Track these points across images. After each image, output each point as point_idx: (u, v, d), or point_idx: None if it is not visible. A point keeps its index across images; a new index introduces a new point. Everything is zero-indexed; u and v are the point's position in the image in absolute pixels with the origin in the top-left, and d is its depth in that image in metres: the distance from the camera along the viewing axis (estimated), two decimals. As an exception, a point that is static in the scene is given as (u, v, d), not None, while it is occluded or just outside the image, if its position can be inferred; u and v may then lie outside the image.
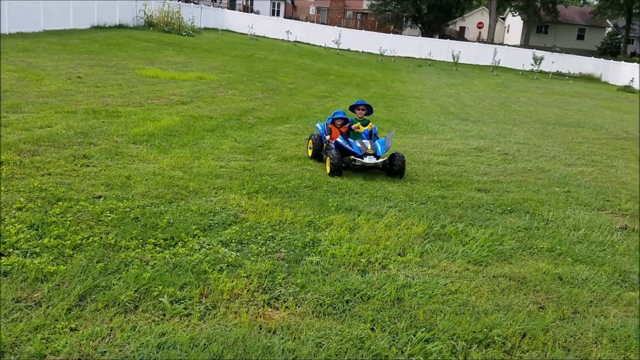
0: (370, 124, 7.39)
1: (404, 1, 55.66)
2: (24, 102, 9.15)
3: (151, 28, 31.18)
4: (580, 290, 3.87)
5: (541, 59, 39.29)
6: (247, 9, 60.68)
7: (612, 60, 43.42)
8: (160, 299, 3.21)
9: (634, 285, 4.07)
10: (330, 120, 7.46)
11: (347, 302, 3.47)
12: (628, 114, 18.89)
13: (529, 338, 3.15)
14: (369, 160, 6.76)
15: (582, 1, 75.96)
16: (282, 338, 2.94)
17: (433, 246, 4.58)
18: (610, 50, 55.71)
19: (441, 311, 3.41)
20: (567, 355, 3.00)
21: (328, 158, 6.74)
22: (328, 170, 6.71)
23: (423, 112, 14.89)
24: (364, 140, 7.07)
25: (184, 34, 31.99)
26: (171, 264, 3.72)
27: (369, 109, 7.54)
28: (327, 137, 7.36)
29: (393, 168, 6.84)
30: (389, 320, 3.25)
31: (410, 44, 45.64)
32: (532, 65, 39.56)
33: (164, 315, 3.08)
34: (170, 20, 32.35)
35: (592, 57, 46.01)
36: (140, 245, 4.00)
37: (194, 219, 4.67)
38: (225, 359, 2.65)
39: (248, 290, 3.49)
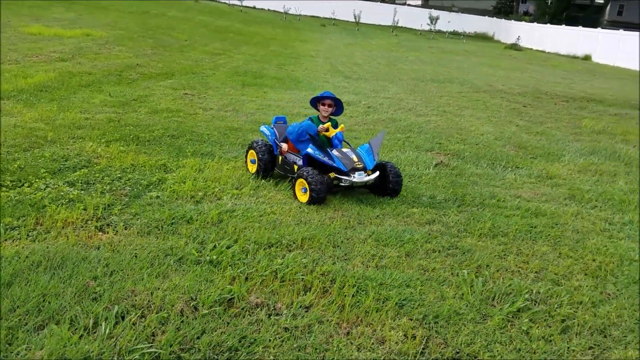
0: (342, 125, 5.25)
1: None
2: None
3: (38, -18, 29.33)
4: (373, 209, 4.73)
5: (436, 18, 41.00)
6: (148, -38, 57.80)
7: (503, 20, 46.06)
8: (-4, 226, 3.69)
9: (422, 204, 5.00)
10: (297, 138, 5.25)
11: (172, 224, 4.10)
12: (503, 70, 20.56)
13: (311, 240, 3.94)
14: (359, 177, 4.83)
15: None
16: (102, 251, 3.53)
17: (270, 182, 5.27)
18: (505, 10, 58.83)
19: (251, 227, 4.13)
20: (335, 251, 3.81)
21: (302, 180, 4.73)
22: (303, 198, 4.74)
23: (313, 70, 15.50)
24: (344, 150, 5.07)
25: (75, -12, 30.37)
26: (14, 201, 4.16)
27: (338, 107, 5.31)
28: (285, 147, 5.28)
29: (387, 187, 5.01)
30: (203, 235, 3.92)
31: (315, 3, 45.87)
32: (429, 25, 41.19)
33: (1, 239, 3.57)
34: (59, -26, 30.53)
35: (487, 17, 48.54)
36: (-14, 186, 4.40)
37: (45, 164, 5.08)
38: (42, 266, 3.20)
39: (82, 220, 4.02)
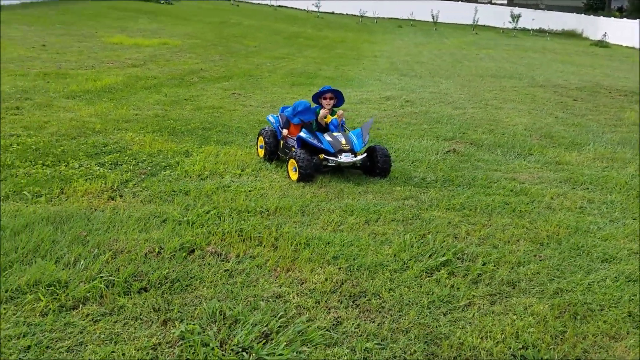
0: (339, 111, 5.82)
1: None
2: (-20, 68, 10.38)
3: (131, -3, 31.96)
4: (358, 186, 5.15)
5: (518, 16, 39.84)
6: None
7: (592, 16, 43.85)
8: (25, 192, 4.51)
9: (409, 184, 5.33)
10: (292, 113, 5.80)
11: (171, 195, 4.76)
12: (575, 66, 19.83)
13: (283, 209, 4.45)
14: (345, 158, 5.31)
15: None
16: (104, 213, 4.24)
17: (272, 165, 5.82)
18: (596, 6, 55.78)
19: (237, 198, 4.69)
20: (302, 218, 4.29)
21: (292, 161, 5.26)
22: (294, 176, 5.26)
23: (369, 69, 15.90)
24: (334, 134, 5.57)
25: (162, 2, 32.84)
26: (48, 175, 5.01)
27: (339, 98, 5.86)
28: (285, 132, 5.78)
29: (376, 167, 5.43)
30: (192, 204, 4.54)
31: (392, 5, 46.12)
32: (511, 23, 40.14)
33: (26, 202, 4.38)
34: (149, -11, 33.09)
35: (575, 13, 46.35)
36: (31, 165, 5.28)
37: (86, 149, 5.95)
38: (50, 221, 3.94)
39: (100, 191, 4.77)
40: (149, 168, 5.53)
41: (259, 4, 44.31)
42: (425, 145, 6.99)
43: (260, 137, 6.03)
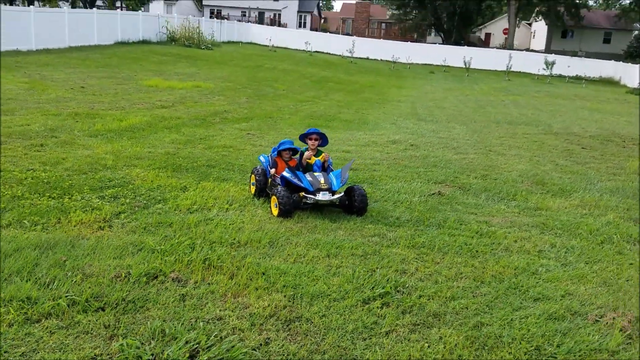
0: (323, 154, 6.34)
1: (424, 10, 57.30)
2: (19, 107, 11.30)
3: (173, 43, 33.71)
4: (333, 223, 5.48)
5: (552, 63, 39.97)
6: (274, 22, 63.36)
7: (629, 63, 43.55)
8: (25, 221, 5.03)
9: (381, 222, 5.62)
10: (276, 152, 6.41)
11: (155, 226, 5.19)
12: (600, 114, 19.80)
13: (253, 241, 4.82)
14: (322, 196, 5.75)
15: (605, 5, 75.48)
16: (89, 241, 4.69)
17: (260, 201, 6.21)
18: (637, 53, 55.39)
19: (215, 231, 5.09)
20: (268, 250, 4.63)
21: (274, 197, 5.75)
22: (275, 211, 5.71)
23: (388, 113, 16.33)
24: (315, 173, 6.07)
25: (203, 47, 34.37)
26: (50, 207, 5.54)
27: (323, 139, 6.41)
28: (272, 171, 6.27)
29: (353, 205, 5.88)
30: (172, 234, 4.96)
31: (425, 52, 47.11)
32: (545, 69, 40.28)
33: (24, 230, 4.89)
34: (191, 35, 34.82)
35: (612, 61, 46.12)
36: (39, 197, 5.84)
37: (92, 183, 6.50)
38: (38, 246, 4.42)
39: (93, 221, 5.26)
40: (144, 201, 6.00)
41: (295, 49, 45.86)
42: (413, 187, 7.27)
43: (252, 175, 6.52)
